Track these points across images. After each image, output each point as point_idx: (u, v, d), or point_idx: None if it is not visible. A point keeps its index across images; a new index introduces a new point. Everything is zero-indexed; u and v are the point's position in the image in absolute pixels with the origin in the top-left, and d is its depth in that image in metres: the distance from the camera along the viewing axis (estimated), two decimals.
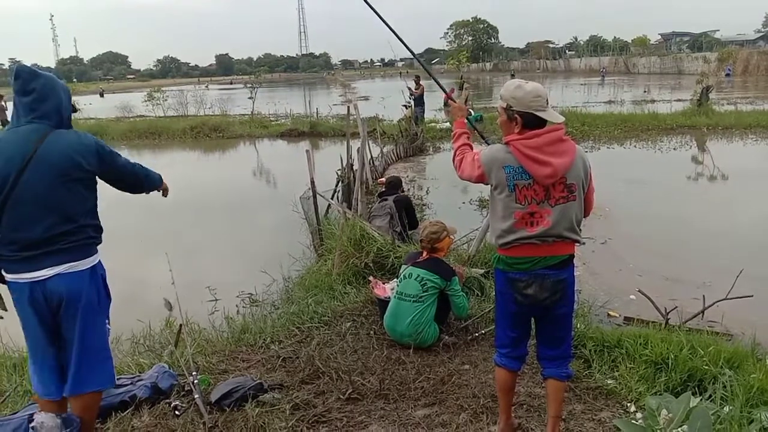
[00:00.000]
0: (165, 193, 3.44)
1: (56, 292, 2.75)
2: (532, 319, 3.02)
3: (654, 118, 19.10)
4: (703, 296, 5.05)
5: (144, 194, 3.35)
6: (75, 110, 3.04)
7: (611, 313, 5.41)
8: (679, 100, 24.21)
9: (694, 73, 36.99)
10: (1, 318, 3.16)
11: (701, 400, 2.85)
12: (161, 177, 3.34)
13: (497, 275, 2.96)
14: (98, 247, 2.93)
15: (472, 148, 3.03)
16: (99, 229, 2.91)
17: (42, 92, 2.76)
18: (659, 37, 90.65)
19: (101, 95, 56.23)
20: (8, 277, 2.78)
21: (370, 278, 5.22)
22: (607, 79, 48.45)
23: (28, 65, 2.92)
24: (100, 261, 2.92)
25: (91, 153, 2.80)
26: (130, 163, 3.12)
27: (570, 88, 41.82)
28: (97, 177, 2.89)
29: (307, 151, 7.50)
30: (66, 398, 2.93)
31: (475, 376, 3.89)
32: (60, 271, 2.74)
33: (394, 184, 7.84)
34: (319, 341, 4.42)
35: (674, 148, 15.21)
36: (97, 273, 2.89)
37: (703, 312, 4.97)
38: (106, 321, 2.97)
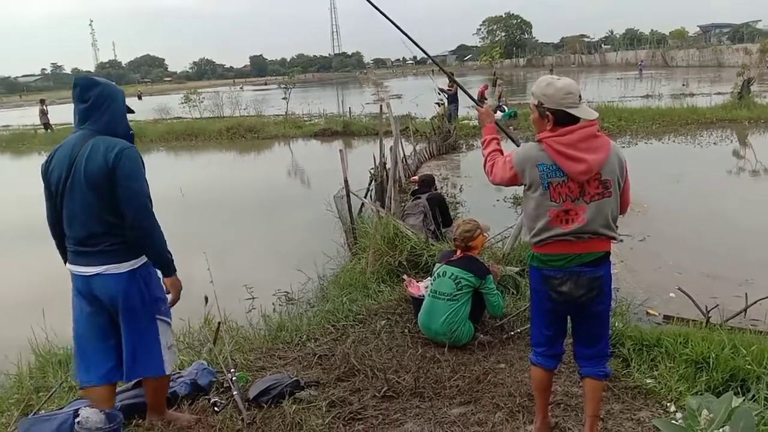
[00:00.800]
0: (174, 295, 3.12)
1: (98, 289, 2.93)
2: (569, 317, 2.99)
3: (693, 111, 18.67)
4: (746, 294, 4.93)
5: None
6: (130, 111, 3.12)
7: (650, 311, 5.32)
8: (719, 93, 23.59)
9: (735, 65, 35.92)
10: None
11: (744, 400, 2.78)
12: (172, 261, 3.08)
13: (532, 273, 2.94)
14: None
15: (502, 153, 3.01)
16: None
17: (96, 101, 2.88)
18: (698, 29, 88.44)
19: (139, 98, 57.32)
20: (67, 266, 3.02)
21: (404, 277, 5.23)
22: (645, 72, 47.42)
23: (87, 75, 3.07)
24: (144, 264, 3.01)
25: (109, 161, 2.81)
26: (145, 203, 2.91)
27: (606, 82, 41.09)
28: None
29: (340, 150, 7.55)
30: (109, 386, 3.12)
31: (511, 375, 3.88)
32: (99, 271, 2.90)
33: (427, 182, 7.84)
34: (355, 339, 4.45)
35: (714, 143, 14.85)
36: (137, 276, 2.97)
37: (745, 310, 4.86)
38: (156, 319, 3.07)
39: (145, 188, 2.93)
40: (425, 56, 4.64)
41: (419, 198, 7.33)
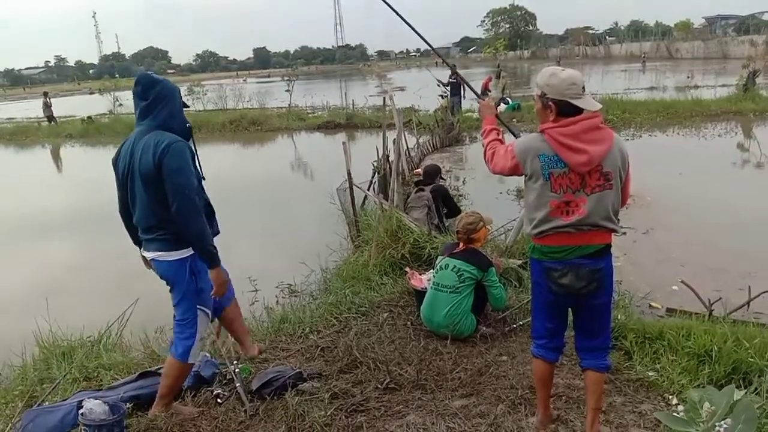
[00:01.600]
0: (216, 287, 3.20)
1: (158, 271, 3.23)
2: (570, 309, 2.99)
3: (698, 104, 18.59)
4: (749, 287, 4.92)
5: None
6: (185, 106, 3.27)
7: (653, 304, 5.31)
8: (724, 86, 23.44)
9: (741, 57, 35.74)
10: None
11: (746, 393, 2.78)
12: (215, 254, 3.16)
13: (532, 265, 2.94)
14: None
15: (503, 143, 3.01)
16: None
17: (156, 99, 3.07)
18: (703, 20, 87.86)
19: None
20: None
21: (407, 269, 5.24)
22: (649, 64, 47.19)
23: (148, 73, 3.20)
24: (193, 255, 3.16)
25: (156, 157, 2.95)
26: (190, 197, 3.02)
27: (610, 74, 40.93)
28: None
29: (343, 143, 7.54)
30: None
31: (513, 368, 3.88)
32: (154, 256, 3.18)
33: (432, 173, 7.70)
34: (357, 331, 4.46)
35: (719, 135, 14.78)
36: (186, 265, 3.16)
37: (748, 303, 4.85)
38: (197, 307, 3.25)
39: (191, 182, 3.05)
40: (429, 48, 4.62)
41: (423, 190, 7.28)
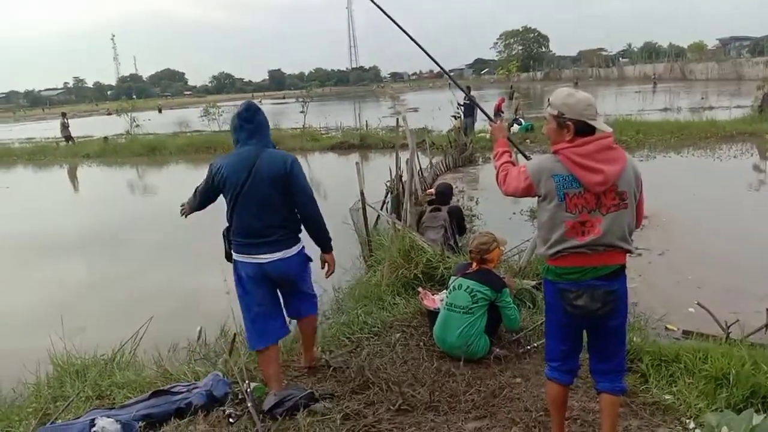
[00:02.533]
0: (328, 267, 3.97)
1: (273, 271, 3.66)
2: (585, 332, 2.96)
3: (712, 125, 18.47)
4: (766, 309, 4.84)
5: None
6: None
7: (669, 326, 5.25)
8: (738, 107, 23.32)
9: (755, 78, 35.58)
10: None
11: (765, 417, 2.73)
12: (331, 240, 3.90)
13: (546, 286, 2.93)
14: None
15: (515, 165, 3.02)
16: (299, 224, 3.75)
17: (260, 123, 3.69)
18: (717, 42, 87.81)
19: (159, 111, 58.16)
20: (236, 256, 3.71)
21: (420, 289, 5.22)
22: (662, 86, 47.12)
23: (253, 102, 3.86)
24: (303, 248, 3.81)
25: (287, 166, 3.59)
26: (312, 197, 3.73)
27: (623, 95, 40.91)
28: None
29: (357, 163, 7.57)
30: (276, 346, 3.86)
31: (527, 390, 3.84)
32: (279, 257, 3.62)
33: (446, 193, 7.68)
34: (369, 352, 4.45)
35: (734, 156, 14.68)
36: (302, 257, 3.81)
37: (766, 326, 4.77)
38: (311, 283, 3.99)
39: (310, 186, 3.74)
40: (442, 70, 4.66)
41: (439, 210, 7.25)
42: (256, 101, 4.21)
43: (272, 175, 3.54)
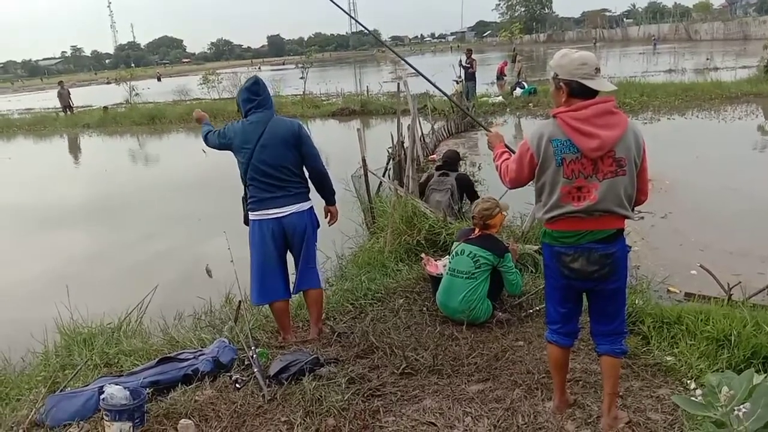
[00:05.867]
0: (332, 217, 4.42)
1: (290, 224, 4.05)
2: (585, 294, 2.97)
3: (717, 86, 18.27)
4: None
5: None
6: None
7: (671, 288, 5.27)
8: (744, 67, 23.00)
9: (762, 37, 35.01)
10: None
11: (766, 377, 2.76)
12: (334, 196, 4.39)
13: (544, 249, 2.94)
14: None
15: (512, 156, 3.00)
16: (307, 182, 4.18)
17: (266, 95, 4.14)
18: (723, 1, 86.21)
19: (158, 80, 57.57)
20: (253, 216, 4.07)
21: (423, 255, 5.23)
22: (667, 47, 46.39)
23: (260, 79, 4.19)
24: (312, 205, 4.18)
25: (295, 128, 4.08)
26: (319, 156, 4.21)
27: (627, 57, 40.35)
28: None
29: (358, 129, 7.54)
30: (286, 301, 4.26)
31: (530, 353, 3.88)
32: (293, 210, 4.03)
33: (453, 159, 7.61)
34: (373, 317, 4.48)
35: (739, 118, 14.55)
36: (313, 212, 4.19)
37: None
38: (316, 244, 4.27)
39: (315, 146, 4.19)
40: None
41: (447, 175, 7.18)
42: (254, 68, 4.33)
43: (283, 134, 4.00)
